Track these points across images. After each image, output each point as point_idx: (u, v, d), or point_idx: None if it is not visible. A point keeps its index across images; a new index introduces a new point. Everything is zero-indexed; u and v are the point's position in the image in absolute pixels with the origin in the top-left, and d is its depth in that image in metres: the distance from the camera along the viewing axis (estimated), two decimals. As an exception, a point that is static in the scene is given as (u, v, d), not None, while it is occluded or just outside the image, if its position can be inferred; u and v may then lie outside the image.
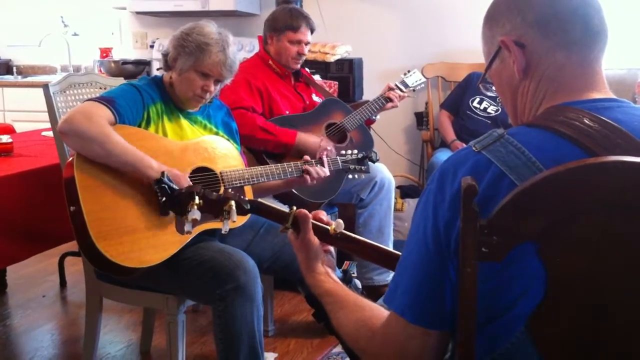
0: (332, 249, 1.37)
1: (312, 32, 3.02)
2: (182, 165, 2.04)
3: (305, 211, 1.34)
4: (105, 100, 1.98)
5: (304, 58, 3.03)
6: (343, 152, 2.60)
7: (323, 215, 1.38)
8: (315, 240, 1.32)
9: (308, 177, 2.35)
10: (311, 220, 1.33)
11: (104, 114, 1.94)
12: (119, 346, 2.74)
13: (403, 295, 1.01)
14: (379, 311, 1.10)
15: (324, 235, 1.35)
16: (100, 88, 2.46)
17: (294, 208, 1.40)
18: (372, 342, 1.08)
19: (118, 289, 2.15)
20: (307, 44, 2.99)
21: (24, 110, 4.67)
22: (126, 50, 5.05)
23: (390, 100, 3.06)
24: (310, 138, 2.82)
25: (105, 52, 4.96)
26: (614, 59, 3.62)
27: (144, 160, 1.94)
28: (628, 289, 0.88)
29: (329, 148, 2.71)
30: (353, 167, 2.57)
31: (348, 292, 1.22)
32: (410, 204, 3.74)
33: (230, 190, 2.11)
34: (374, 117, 3.18)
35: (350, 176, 2.63)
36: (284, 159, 2.78)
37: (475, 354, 0.91)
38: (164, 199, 1.87)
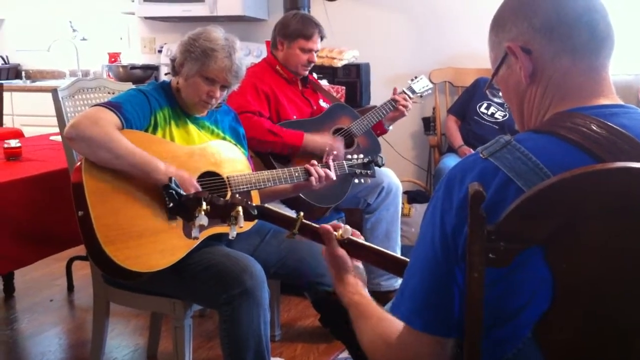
0: (360, 263, 1.36)
1: (322, 39, 3.03)
2: (189, 170, 2.04)
3: (327, 227, 1.35)
4: (112, 105, 1.98)
5: (312, 65, 3.03)
6: (349, 156, 2.60)
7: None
8: (342, 253, 1.33)
9: (313, 180, 2.35)
10: (333, 234, 1.34)
11: (111, 119, 1.94)
12: (126, 350, 2.74)
13: (409, 301, 1.01)
14: (398, 324, 1.06)
15: None
16: (109, 93, 2.47)
17: (301, 214, 1.41)
18: (388, 354, 1.08)
19: (125, 293, 2.15)
20: (316, 51, 3.00)
21: (32, 115, 4.70)
22: (134, 55, 5.08)
23: (397, 104, 3.04)
24: (317, 138, 2.83)
25: (113, 57, 4.99)
26: (620, 64, 3.61)
27: (152, 163, 1.94)
28: (632, 295, 0.88)
29: (334, 153, 2.71)
30: (359, 171, 2.57)
31: (373, 305, 1.21)
32: (418, 209, 3.73)
33: (237, 195, 2.11)
34: (387, 127, 3.18)
35: (356, 180, 2.63)
36: (292, 160, 2.79)
37: (482, 359, 0.91)
38: (171, 204, 1.87)
